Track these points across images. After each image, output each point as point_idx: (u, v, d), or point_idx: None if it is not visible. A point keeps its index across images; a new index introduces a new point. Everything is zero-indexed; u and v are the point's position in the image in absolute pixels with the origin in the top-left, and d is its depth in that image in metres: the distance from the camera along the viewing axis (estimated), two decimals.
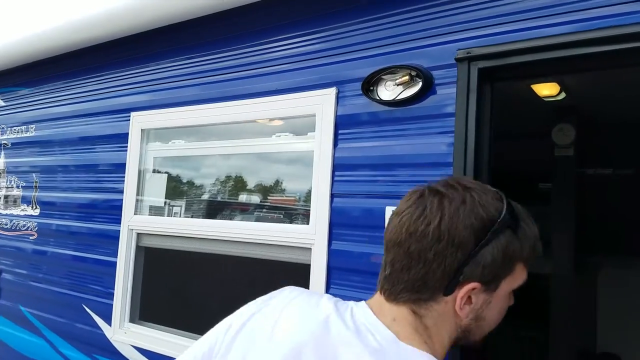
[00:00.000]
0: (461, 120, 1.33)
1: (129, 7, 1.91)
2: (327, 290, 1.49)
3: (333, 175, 1.54)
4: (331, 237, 1.51)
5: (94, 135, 2.27)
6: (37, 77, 2.63)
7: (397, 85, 1.47)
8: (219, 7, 1.80)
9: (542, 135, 3.40)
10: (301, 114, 1.64)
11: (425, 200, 0.81)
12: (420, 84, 1.42)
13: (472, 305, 0.80)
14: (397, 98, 1.47)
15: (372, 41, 1.54)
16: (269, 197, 1.89)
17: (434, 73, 1.41)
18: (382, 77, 1.50)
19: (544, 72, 1.56)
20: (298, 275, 1.55)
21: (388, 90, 1.49)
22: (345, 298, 0.89)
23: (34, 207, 2.50)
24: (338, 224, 1.51)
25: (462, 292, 0.78)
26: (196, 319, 1.87)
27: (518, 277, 0.84)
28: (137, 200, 2.05)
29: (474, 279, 0.78)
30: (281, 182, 1.87)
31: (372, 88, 1.51)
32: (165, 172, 2.09)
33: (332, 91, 1.56)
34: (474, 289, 0.78)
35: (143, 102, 2.10)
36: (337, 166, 1.54)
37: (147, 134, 2.08)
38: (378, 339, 0.77)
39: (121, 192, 2.09)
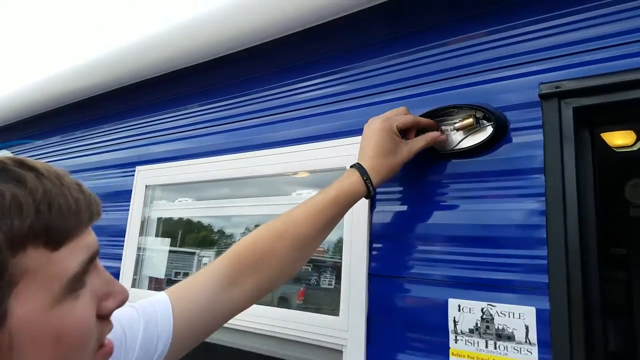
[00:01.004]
0: (555, 180, 0.95)
1: (132, 51, 1.64)
2: None
3: (370, 248, 1.17)
4: (370, 336, 1.11)
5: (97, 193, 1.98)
6: (42, 130, 2.41)
7: (457, 130, 1.11)
8: (231, 48, 1.51)
9: (613, 191, 2.94)
10: (328, 166, 1.29)
11: None
12: (490, 129, 1.06)
13: None
14: (456, 147, 1.10)
15: (419, 76, 1.20)
16: None
17: (508, 115, 1.05)
18: (436, 120, 1.14)
19: None
20: None
21: (445, 137, 1.13)
22: None
23: None
24: (378, 319, 1.12)
25: None
26: None
27: (50, 272, 0.46)
28: (136, 271, 1.72)
29: None
30: None
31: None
32: (169, 236, 1.76)
33: None
34: None
35: (148, 154, 1.81)
36: (375, 236, 1.17)
37: (152, 192, 1.77)
38: None
39: (119, 259, 1.76)
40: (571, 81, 0.97)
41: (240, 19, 1.40)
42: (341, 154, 1.26)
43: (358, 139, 1.22)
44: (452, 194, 1.09)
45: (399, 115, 1.08)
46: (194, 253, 1.78)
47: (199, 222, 1.78)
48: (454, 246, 1.04)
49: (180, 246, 1.79)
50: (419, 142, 1.07)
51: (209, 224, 1.79)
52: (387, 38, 1.28)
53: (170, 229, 1.76)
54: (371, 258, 1.16)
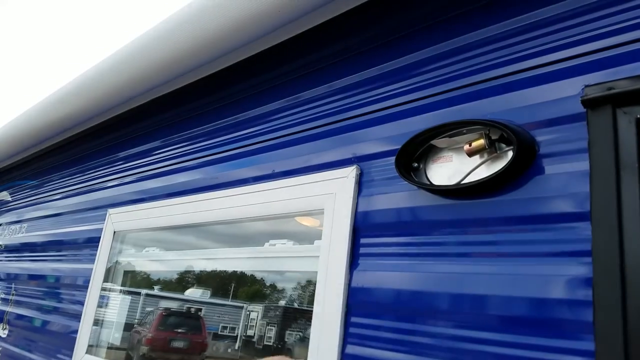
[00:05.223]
0: (607, 231, 0.60)
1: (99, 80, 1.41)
2: None
3: (347, 323, 0.84)
4: None
5: (63, 239, 1.74)
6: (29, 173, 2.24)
7: (467, 156, 0.78)
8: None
9: None
10: (302, 209, 0.99)
11: None
12: (510, 154, 0.72)
13: None
14: (463, 182, 0.78)
15: (414, 90, 0.89)
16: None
17: (537, 133, 0.72)
18: (435, 144, 0.82)
19: None
20: None
21: (446, 168, 0.81)
22: None
23: (4, 327, 1.97)
24: None
25: None
26: None
27: None
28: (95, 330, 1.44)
29: None
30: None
31: (416, 165, 0.83)
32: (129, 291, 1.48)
33: (349, 172, 0.90)
34: None
35: (117, 197, 1.56)
36: (354, 306, 0.83)
37: (121, 239, 1.51)
38: None
39: (78, 317, 1.49)
40: (632, 80, 0.64)
41: (204, 48, 1.16)
42: (315, 192, 0.95)
43: (338, 172, 0.92)
44: (458, 249, 0.75)
45: None
46: (242, 307, 1.51)
47: (251, 275, 1.53)
48: (454, 328, 0.70)
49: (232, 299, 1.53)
50: None
51: (261, 278, 1.54)
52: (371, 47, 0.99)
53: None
54: (346, 335, 0.83)
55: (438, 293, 0.74)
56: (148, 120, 1.52)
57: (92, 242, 1.57)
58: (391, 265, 0.82)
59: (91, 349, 1.43)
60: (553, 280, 0.63)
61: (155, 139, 1.49)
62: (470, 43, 0.83)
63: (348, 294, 0.85)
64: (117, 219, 1.48)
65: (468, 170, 0.78)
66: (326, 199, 0.92)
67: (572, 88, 0.69)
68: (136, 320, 1.64)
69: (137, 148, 1.56)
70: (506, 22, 0.79)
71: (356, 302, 0.84)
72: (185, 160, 1.35)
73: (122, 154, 1.61)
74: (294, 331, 1.40)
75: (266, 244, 1.09)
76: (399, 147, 0.82)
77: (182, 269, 1.52)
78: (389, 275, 0.81)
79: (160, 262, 1.44)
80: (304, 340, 1.04)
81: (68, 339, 1.51)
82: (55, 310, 1.68)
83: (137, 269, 1.58)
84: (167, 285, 1.62)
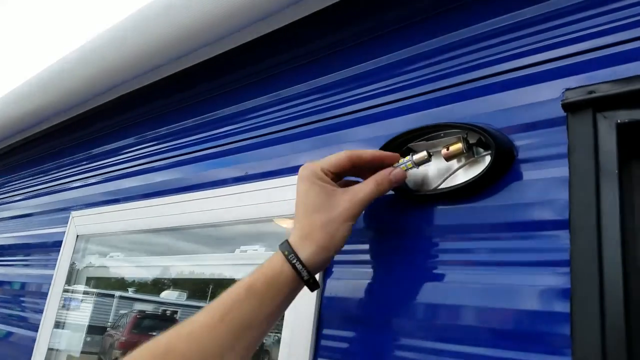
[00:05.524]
0: (586, 240, 0.57)
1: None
2: None
3: (318, 335, 0.80)
4: None
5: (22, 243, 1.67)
6: None
7: (444, 160, 0.76)
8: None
9: None
10: (279, 213, 0.95)
11: None
12: (488, 159, 0.70)
13: None
14: (440, 187, 0.75)
15: (394, 90, 0.86)
16: None
17: (516, 138, 0.69)
18: (413, 147, 0.80)
19: None
20: None
21: (422, 172, 0.78)
22: None
23: None
24: None
25: None
26: None
27: None
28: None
29: None
30: None
31: None
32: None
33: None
34: None
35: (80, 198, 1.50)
36: (327, 322, 0.80)
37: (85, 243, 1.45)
38: None
39: (36, 329, 1.42)
40: (613, 83, 0.62)
41: (177, 41, 1.11)
42: (286, 196, 0.91)
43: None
44: (428, 258, 0.72)
45: (331, 156, 0.72)
46: None
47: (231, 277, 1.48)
48: (422, 340, 0.66)
49: None
50: (365, 187, 0.70)
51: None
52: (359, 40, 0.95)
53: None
54: (318, 350, 0.79)
55: (409, 303, 0.71)
56: (116, 118, 1.46)
57: (57, 246, 1.51)
58: (366, 274, 0.79)
59: (52, 353, 1.37)
60: (529, 291, 0.60)
61: (123, 137, 1.43)
62: (451, 43, 0.81)
63: (321, 303, 0.81)
64: (81, 222, 1.42)
65: (446, 175, 0.75)
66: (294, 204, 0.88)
67: (552, 91, 0.66)
68: (109, 324, 1.58)
69: (103, 147, 1.51)
70: (487, 22, 0.77)
71: (329, 312, 0.80)
72: (156, 160, 1.30)
73: (85, 154, 1.55)
74: (271, 333, 1.35)
75: (237, 250, 1.05)
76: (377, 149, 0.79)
77: (156, 272, 1.47)
78: (363, 284, 0.78)
79: (128, 267, 1.37)
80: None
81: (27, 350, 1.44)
82: (17, 319, 1.60)
83: (105, 274, 1.52)
84: (142, 287, 1.57)
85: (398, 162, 0.74)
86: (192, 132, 1.24)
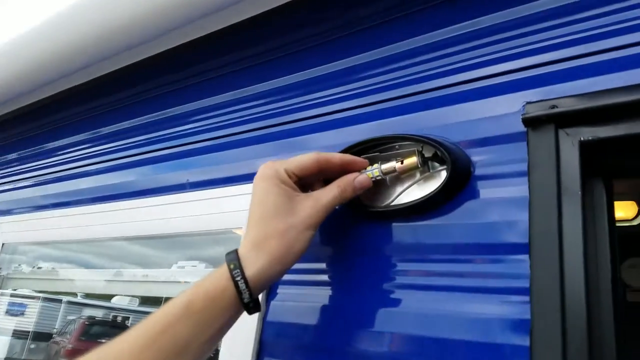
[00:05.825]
0: (547, 266, 0.53)
1: None
2: None
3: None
4: None
5: None
6: None
7: (397, 175, 0.70)
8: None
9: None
10: (221, 226, 0.87)
11: None
12: (444, 175, 0.65)
13: None
14: (393, 203, 0.70)
15: (354, 96, 0.80)
16: None
17: (473, 152, 0.65)
18: (367, 159, 0.74)
19: None
20: None
21: (377, 187, 0.72)
22: None
23: None
24: None
25: None
26: None
27: None
28: None
29: None
30: None
31: None
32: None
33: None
34: None
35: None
36: (268, 351, 0.73)
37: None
38: None
39: None
40: (577, 98, 0.58)
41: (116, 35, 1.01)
42: (230, 207, 0.84)
43: (248, 186, 0.81)
44: (386, 281, 0.66)
45: (297, 157, 0.66)
46: None
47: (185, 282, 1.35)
48: None
49: None
50: (328, 193, 0.65)
51: None
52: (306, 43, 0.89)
53: None
54: None
55: (360, 329, 0.65)
56: (45, 119, 1.35)
57: None
58: (314, 296, 0.72)
59: None
60: (485, 322, 0.55)
61: (57, 137, 1.32)
62: (410, 49, 0.76)
63: (262, 329, 0.74)
64: (7, 229, 1.30)
65: (397, 191, 0.70)
66: (238, 217, 0.81)
67: (512, 104, 0.62)
68: (55, 330, 1.45)
69: (35, 148, 1.39)
70: (445, 29, 0.72)
71: (271, 339, 0.73)
72: (91, 163, 1.20)
73: (15, 155, 1.42)
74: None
75: (174, 266, 0.96)
76: None
77: (108, 276, 1.35)
78: (310, 308, 0.72)
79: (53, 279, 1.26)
80: None
81: None
82: None
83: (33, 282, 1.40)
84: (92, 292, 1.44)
85: (365, 169, 0.69)
86: (131, 134, 1.15)
